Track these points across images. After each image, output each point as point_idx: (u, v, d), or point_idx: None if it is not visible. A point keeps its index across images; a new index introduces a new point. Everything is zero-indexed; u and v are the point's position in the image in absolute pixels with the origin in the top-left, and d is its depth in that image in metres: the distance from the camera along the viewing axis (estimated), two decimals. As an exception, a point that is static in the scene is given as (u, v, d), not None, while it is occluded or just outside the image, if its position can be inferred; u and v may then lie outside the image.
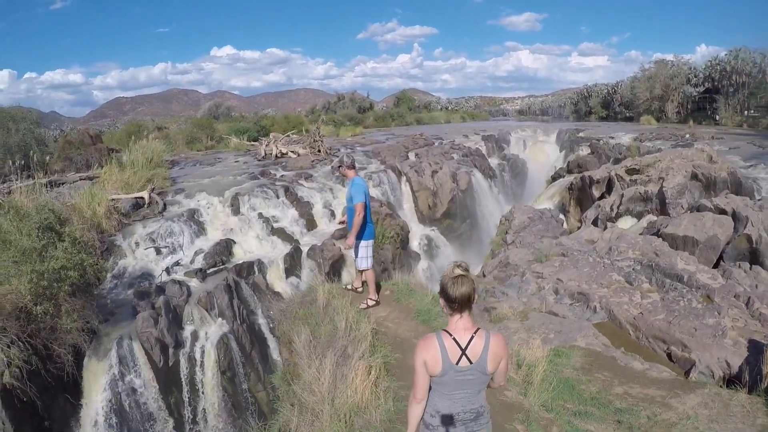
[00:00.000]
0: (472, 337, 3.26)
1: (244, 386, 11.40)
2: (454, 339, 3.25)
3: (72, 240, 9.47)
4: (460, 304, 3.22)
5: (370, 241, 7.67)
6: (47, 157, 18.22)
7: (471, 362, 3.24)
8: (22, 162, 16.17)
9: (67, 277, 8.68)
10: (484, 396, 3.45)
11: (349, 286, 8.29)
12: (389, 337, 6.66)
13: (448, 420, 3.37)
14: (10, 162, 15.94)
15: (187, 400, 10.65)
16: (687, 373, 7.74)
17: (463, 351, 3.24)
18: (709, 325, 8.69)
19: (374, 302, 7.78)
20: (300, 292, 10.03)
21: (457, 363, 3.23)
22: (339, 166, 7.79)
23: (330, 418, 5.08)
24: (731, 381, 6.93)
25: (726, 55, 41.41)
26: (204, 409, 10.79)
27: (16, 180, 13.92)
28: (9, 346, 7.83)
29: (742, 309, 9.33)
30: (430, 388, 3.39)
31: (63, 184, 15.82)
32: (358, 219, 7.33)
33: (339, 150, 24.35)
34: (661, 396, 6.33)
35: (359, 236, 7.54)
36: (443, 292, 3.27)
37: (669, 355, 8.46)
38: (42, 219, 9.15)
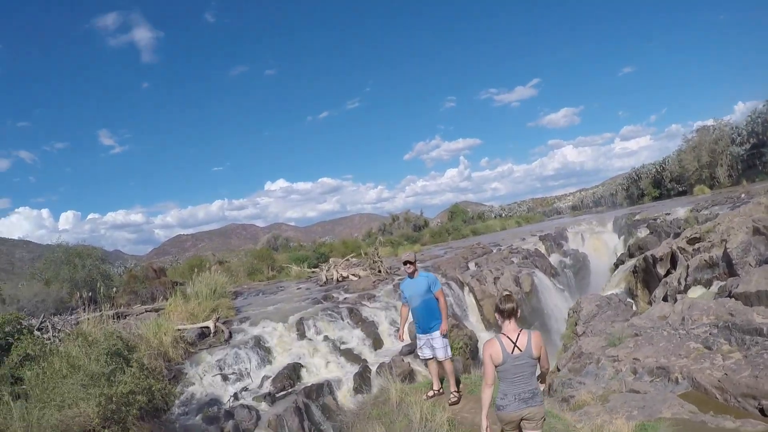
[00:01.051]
0: (519, 334, 4.86)
1: None
2: (508, 337, 4.86)
3: (140, 365, 9.59)
4: (508, 313, 4.92)
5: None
6: (113, 290, 19.00)
7: (521, 350, 4.80)
8: (89, 295, 16.86)
9: (135, 401, 8.73)
10: (536, 380, 4.99)
11: (430, 393, 8.07)
12: (466, 426, 6.63)
13: (512, 398, 4.90)
14: (78, 295, 16.68)
15: None
16: (783, 425, 7.40)
17: (515, 343, 4.82)
18: (798, 372, 8.36)
19: (457, 397, 7.73)
20: (372, 394, 10.01)
21: (512, 352, 4.80)
22: (415, 261, 7.98)
23: None
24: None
25: (764, 106, 41.30)
26: None
27: (84, 312, 14.53)
28: (76, 469, 7.81)
29: (830, 352, 8.95)
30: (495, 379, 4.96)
31: (129, 315, 16.29)
32: (445, 302, 7.75)
33: (399, 268, 24.57)
34: (758, 448, 6.09)
35: (435, 327, 7.70)
36: (496, 308, 5.01)
37: (761, 410, 8.11)
38: (110, 345, 9.41)
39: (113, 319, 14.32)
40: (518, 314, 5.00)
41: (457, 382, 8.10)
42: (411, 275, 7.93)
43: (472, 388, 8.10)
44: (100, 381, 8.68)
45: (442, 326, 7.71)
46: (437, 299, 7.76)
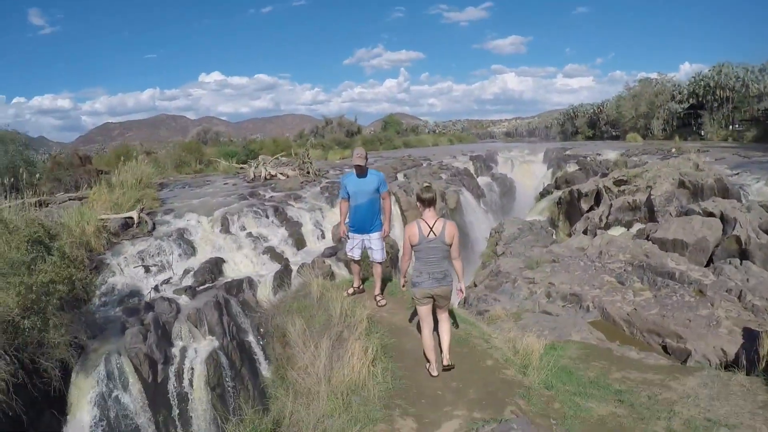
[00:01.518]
0: (436, 221, 5.54)
1: (234, 402, 11.14)
2: (426, 222, 5.54)
3: (61, 254, 9.26)
4: (428, 202, 5.55)
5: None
6: (36, 177, 18.09)
7: (435, 235, 5.51)
8: (11, 182, 15.98)
9: (55, 290, 8.49)
10: (448, 263, 5.67)
11: (350, 291, 7.88)
12: (384, 325, 6.58)
13: (426, 276, 5.58)
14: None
15: (176, 415, 10.39)
16: (684, 363, 7.70)
17: (431, 228, 5.51)
18: (703, 316, 8.70)
19: (385, 300, 7.58)
20: (293, 289, 9.91)
21: (427, 236, 5.50)
22: (366, 158, 7.53)
23: (327, 397, 5.00)
24: (728, 366, 6.90)
25: (710, 71, 41.88)
26: (193, 424, 10.54)
27: (5, 199, 13.75)
28: (-5, 360, 7.58)
29: (734, 302, 9.37)
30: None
31: (52, 203, 15.64)
32: (390, 205, 7.59)
33: (328, 171, 24.27)
34: (660, 379, 6.26)
35: (376, 228, 7.45)
36: (418, 197, 5.65)
37: (664, 348, 8.45)
38: (32, 232, 8.98)
39: (35, 206, 13.65)
40: (436, 204, 5.68)
41: (383, 285, 7.96)
42: (360, 173, 7.53)
43: (392, 290, 8.00)
44: (21, 270, 8.33)
45: (385, 228, 7.50)
46: (383, 200, 7.47)
